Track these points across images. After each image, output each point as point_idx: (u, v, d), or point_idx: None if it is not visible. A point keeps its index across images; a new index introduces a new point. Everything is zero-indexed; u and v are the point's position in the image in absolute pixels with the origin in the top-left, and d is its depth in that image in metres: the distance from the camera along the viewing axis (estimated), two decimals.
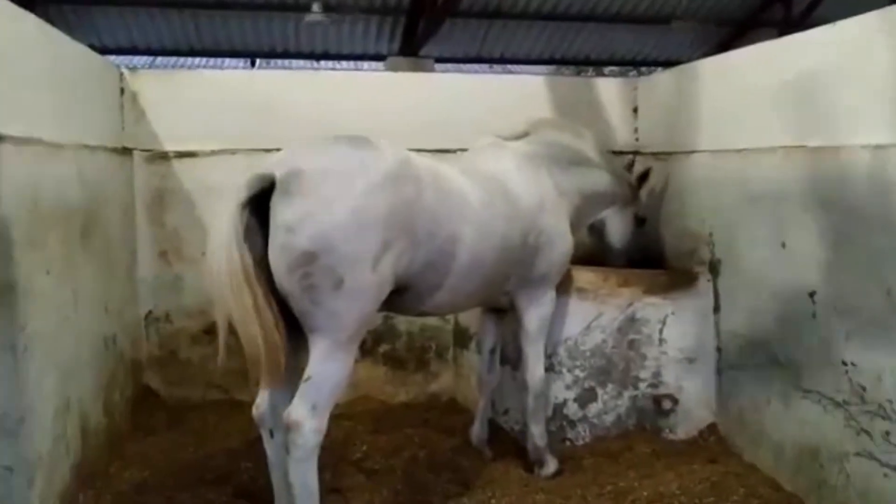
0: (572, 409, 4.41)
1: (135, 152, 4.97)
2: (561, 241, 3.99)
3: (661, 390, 4.49)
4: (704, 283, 4.49)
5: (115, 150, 4.55)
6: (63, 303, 3.46)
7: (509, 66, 9.45)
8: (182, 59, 10.82)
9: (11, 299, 2.85)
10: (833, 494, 3.44)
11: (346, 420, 4.57)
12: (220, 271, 2.81)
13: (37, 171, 3.20)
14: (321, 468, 3.07)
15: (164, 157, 5.04)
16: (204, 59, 10.95)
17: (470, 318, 4.96)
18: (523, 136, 4.17)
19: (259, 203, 2.90)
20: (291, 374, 3.08)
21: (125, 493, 3.72)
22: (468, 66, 8.99)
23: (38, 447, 3.08)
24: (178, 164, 5.06)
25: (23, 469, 2.91)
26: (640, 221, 4.84)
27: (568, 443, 4.40)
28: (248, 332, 2.85)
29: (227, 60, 9.58)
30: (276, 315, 2.90)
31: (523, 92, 5.40)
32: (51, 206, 3.34)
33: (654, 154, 5.24)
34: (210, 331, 5.01)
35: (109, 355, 4.24)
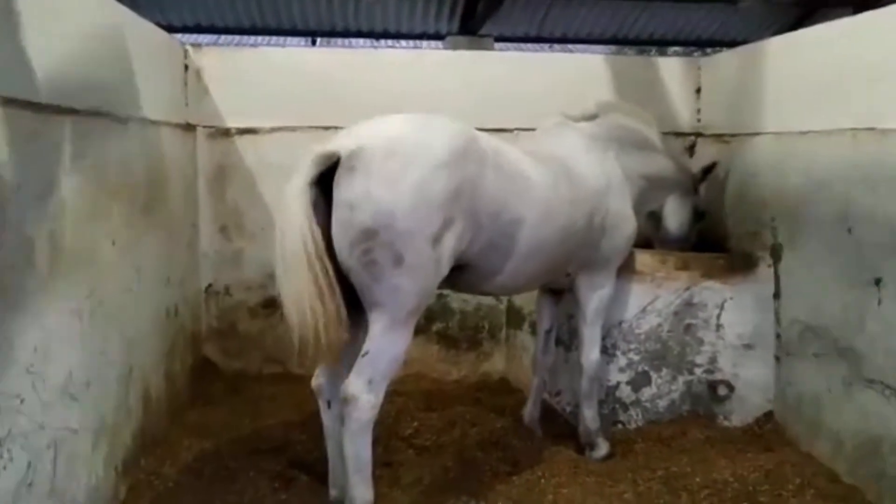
0: (625, 393, 4.38)
1: (198, 128, 5.07)
2: (626, 224, 3.96)
3: (717, 376, 4.42)
4: (765, 268, 4.39)
5: (178, 126, 4.65)
6: (126, 273, 3.56)
7: (570, 46, 9.32)
8: (244, 38, 10.94)
9: (78, 267, 2.94)
10: (894, 487, 3.35)
11: (398, 396, 4.61)
12: (294, 250, 2.85)
13: (103, 145, 3.28)
14: (373, 442, 3.10)
15: (225, 133, 5.13)
16: (266, 38, 11.06)
17: (524, 299, 4.95)
18: (592, 117, 4.13)
19: (324, 180, 2.94)
20: (350, 348, 3.13)
21: (184, 460, 3.82)
22: (528, 45, 8.90)
23: (102, 412, 3.19)
24: (239, 141, 5.14)
25: (88, 432, 3.01)
26: (700, 215, 4.76)
27: (620, 426, 4.37)
28: (315, 310, 2.88)
29: (289, 39, 9.64)
30: (339, 295, 2.93)
31: (584, 71, 5.33)
32: (116, 178, 3.43)
33: (716, 136, 5.13)
34: (268, 304, 5.12)
35: (170, 326, 4.35)
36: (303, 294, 2.87)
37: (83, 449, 2.97)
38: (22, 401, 2.46)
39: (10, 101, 2.43)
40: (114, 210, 3.40)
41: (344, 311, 2.95)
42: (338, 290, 2.93)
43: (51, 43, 2.77)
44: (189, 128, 4.93)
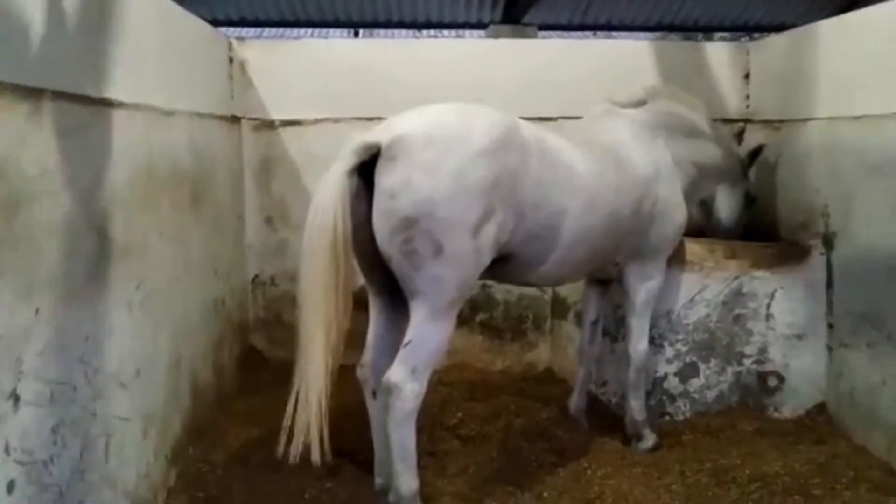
0: (673, 384, 4.32)
1: (243, 120, 5.12)
2: (676, 212, 3.90)
3: (767, 367, 4.33)
4: (817, 257, 4.29)
5: (224, 118, 4.70)
6: (174, 264, 3.61)
7: (614, 34, 9.17)
8: (288, 31, 11.01)
9: (128, 259, 2.99)
10: None
11: (442, 386, 4.61)
12: (322, 233, 2.86)
13: (150, 137, 3.32)
14: (418, 431, 3.12)
15: (270, 125, 5.18)
16: (308, 31, 11.12)
17: (568, 289, 4.91)
18: (640, 104, 4.06)
19: (366, 170, 2.95)
20: (394, 337, 3.14)
21: (232, 448, 3.88)
22: (572, 33, 8.78)
23: (152, 400, 3.24)
24: (283, 133, 5.18)
25: (138, 421, 3.07)
26: (750, 201, 4.67)
27: (667, 417, 4.31)
28: (329, 296, 2.89)
29: (331, 31, 9.67)
30: (349, 292, 2.95)
31: (629, 57, 5.26)
32: (163, 171, 3.47)
33: (766, 122, 5.02)
34: None
35: (218, 316, 4.41)
36: (320, 279, 2.88)
37: (134, 437, 3.02)
38: (75, 389, 2.51)
39: (60, 95, 2.47)
40: (162, 202, 3.45)
41: (350, 304, 2.95)
42: (352, 282, 2.94)
43: (99, 37, 2.82)
44: (234, 120, 4.98)
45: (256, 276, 5.26)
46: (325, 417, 2.99)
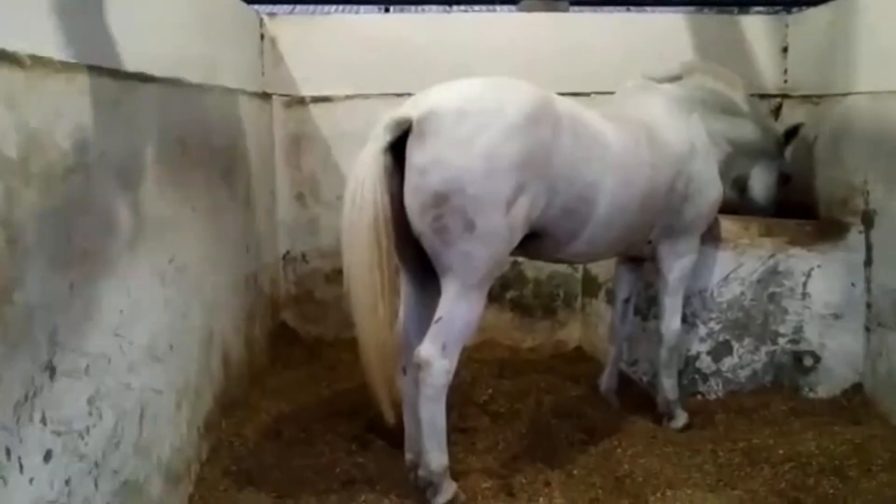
0: (705, 363, 4.27)
1: (274, 97, 5.12)
2: (710, 188, 3.84)
3: (803, 346, 4.27)
4: (856, 235, 4.20)
5: (255, 95, 4.70)
6: (207, 239, 3.63)
7: (647, 8, 9.01)
8: (318, 7, 10.98)
9: (160, 233, 3.00)
10: None
11: (472, 363, 4.61)
12: (364, 216, 2.88)
13: (183, 113, 3.33)
14: (448, 408, 3.13)
15: (301, 101, 5.17)
16: (339, 7, 11.08)
17: (599, 267, 4.87)
18: (676, 78, 3.99)
19: (397, 146, 2.93)
20: (425, 314, 3.15)
21: (264, 422, 3.91)
22: (604, 7, 8.64)
23: (185, 374, 3.27)
24: (314, 109, 5.18)
25: (171, 393, 3.10)
26: (785, 179, 4.58)
27: (699, 397, 4.27)
28: (375, 277, 2.91)
29: (362, 7, 9.63)
30: (393, 268, 2.99)
31: (664, 31, 5.17)
32: (196, 146, 3.48)
33: (804, 97, 4.91)
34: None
35: (249, 292, 4.44)
36: (365, 260, 2.89)
37: (167, 409, 3.06)
38: (109, 361, 2.53)
39: (94, 69, 2.48)
40: (195, 177, 3.46)
41: (396, 282, 2.98)
42: (394, 259, 2.98)
43: (132, 12, 2.82)
44: (265, 96, 4.98)
45: (287, 252, 5.28)
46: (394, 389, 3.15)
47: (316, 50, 5.13)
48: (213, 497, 3.26)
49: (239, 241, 4.24)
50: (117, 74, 2.66)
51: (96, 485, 2.42)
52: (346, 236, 2.97)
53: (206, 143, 3.65)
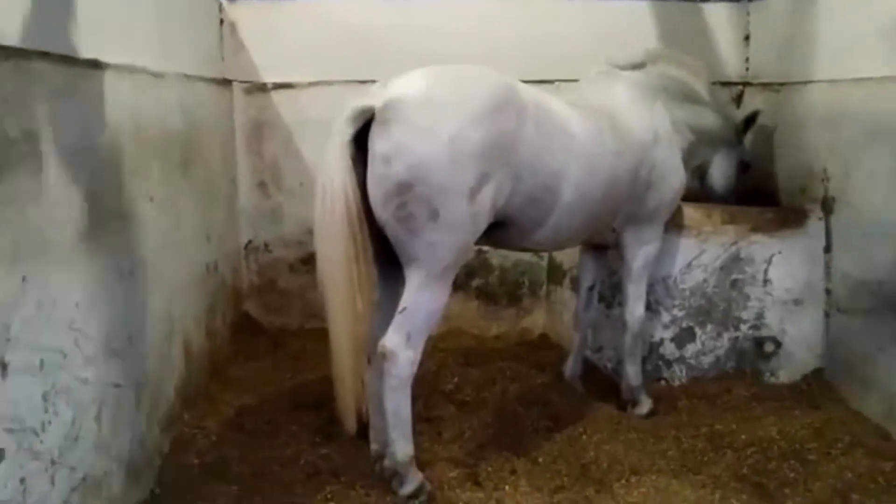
0: (669, 349, 4.30)
1: (234, 83, 5.03)
2: (673, 176, 3.86)
3: (764, 332, 4.32)
4: (815, 222, 4.26)
5: (214, 81, 4.61)
6: (166, 230, 3.56)
7: None
8: None
9: (118, 224, 2.94)
10: None
11: (438, 352, 4.60)
12: (336, 211, 2.85)
13: (139, 100, 3.25)
14: (413, 398, 3.11)
15: (262, 88, 5.10)
16: None
17: (564, 255, 4.88)
18: (639, 66, 4.00)
19: (360, 134, 2.90)
20: (389, 304, 3.12)
21: (227, 414, 3.86)
22: None
23: (145, 367, 3.21)
24: (276, 96, 5.11)
25: (130, 387, 3.03)
26: (745, 167, 4.62)
27: (663, 383, 4.31)
28: (351, 272, 2.89)
29: None
30: (369, 261, 2.98)
31: (628, 18, 5.15)
32: (153, 134, 3.40)
33: (765, 84, 4.95)
34: (307, 261, 5.11)
35: (211, 282, 4.37)
36: (341, 256, 2.87)
37: (127, 404, 3.00)
38: (65, 356, 2.47)
39: (46, 56, 2.40)
40: (152, 166, 3.38)
41: (375, 274, 2.94)
42: (370, 252, 2.96)
43: None
44: (225, 83, 4.89)
45: (250, 241, 5.21)
46: (362, 388, 3.13)
47: (277, 35, 5.05)
48: (175, 491, 3.20)
49: (199, 231, 4.16)
50: (70, 61, 2.59)
51: (53, 482, 2.37)
52: (319, 233, 2.94)
53: (164, 131, 3.57)
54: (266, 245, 5.23)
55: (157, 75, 3.49)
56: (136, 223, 3.14)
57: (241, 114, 5.09)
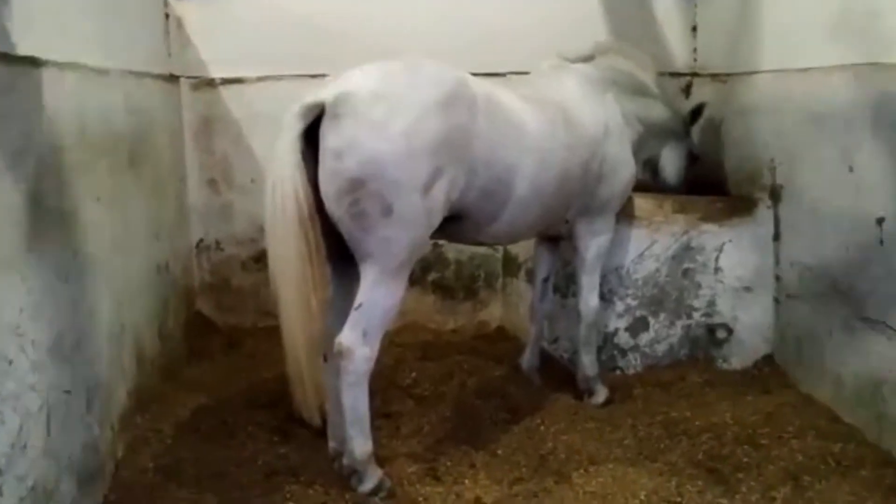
0: (623, 339, 4.35)
1: (181, 79, 4.94)
2: (624, 168, 3.89)
3: (716, 320, 4.39)
4: (764, 210, 4.33)
5: (161, 77, 4.52)
6: (114, 230, 3.48)
7: None
8: None
9: (63, 226, 2.86)
10: (895, 427, 3.34)
11: (395, 347, 4.58)
12: (286, 209, 2.81)
13: (83, 98, 3.17)
14: (371, 393, 3.10)
15: (210, 83, 5.01)
16: None
17: (519, 247, 4.89)
18: (589, 59, 4.02)
19: (310, 129, 2.87)
20: (344, 300, 3.10)
21: (182, 416, 3.80)
22: None
23: (95, 371, 3.13)
24: (224, 91, 5.02)
25: (80, 392, 2.96)
26: (693, 158, 4.68)
27: (618, 372, 4.35)
28: (305, 271, 2.86)
29: None
30: (322, 260, 2.94)
31: (578, 10, 5.17)
32: (98, 133, 3.32)
33: (713, 75, 5.02)
34: (260, 258, 5.05)
35: (162, 282, 4.29)
36: (293, 254, 2.83)
37: (77, 409, 2.92)
38: (10, 363, 2.40)
39: None
40: (98, 165, 3.30)
41: (328, 272, 2.91)
42: (323, 250, 2.92)
43: None
44: (172, 79, 4.80)
45: (201, 239, 5.13)
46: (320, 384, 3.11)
47: (225, 30, 4.96)
48: (131, 496, 3.14)
49: (149, 230, 4.08)
50: (9, 59, 2.50)
51: (1, 493, 2.30)
52: (270, 231, 2.90)
53: (110, 129, 3.49)
54: (218, 243, 5.15)
55: (101, 72, 3.41)
56: (82, 224, 3.06)
57: (189, 110, 5.00)
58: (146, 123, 4.09)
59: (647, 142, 4.28)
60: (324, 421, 3.28)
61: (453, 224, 3.23)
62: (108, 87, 3.51)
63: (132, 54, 3.95)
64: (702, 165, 4.79)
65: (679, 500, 3.08)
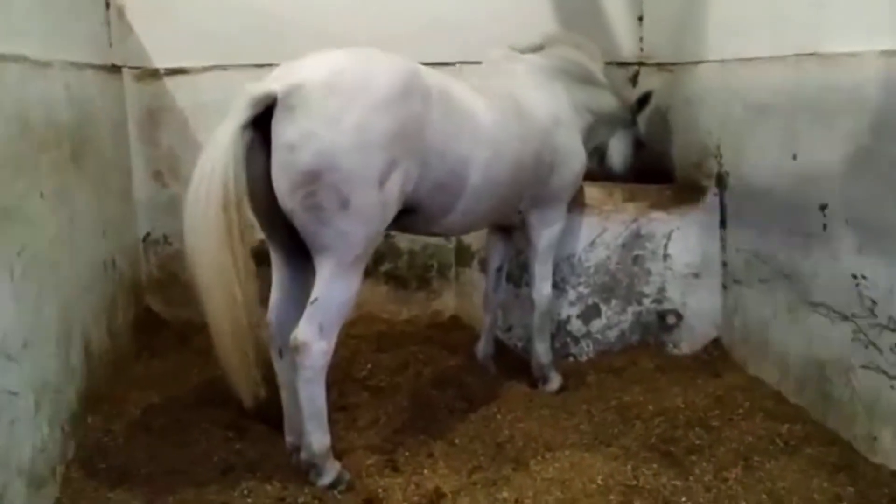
0: (576, 326, 4.40)
1: (124, 70, 4.82)
2: (575, 158, 3.92)
3: (666, 306, 4.47)
4: (711, 197, 4.42)
5: (103, 68, 4.41)
6: (59, 226, 3.39)
7: None
8: None
9: (5, 224, 2.78)
10: (839, 407, 3.45)
11: (350, 339, 4.56)
12: (209, 198, 2.74)
13: (25, 91, 3.07)
14: (327, 386, 3.09)
15: (154, 74, 4.89)
16: None
17: (472, 237, 4.91)
18: (539, 49, 4.04)
19: (261, 122, 2.80)
20: (300, 294, 3.07)
21: (133, 414, 3.73)
22: None
23: (42, 372, 3.06)
24: (169, 82, 4.91)
25: (28, 394, 2.89)
26: (639, 146, 4.75)
27: (572, 359, 4.40)
28: (226, 262, 2.79)
29: None
30: (248, 253, 2.87)
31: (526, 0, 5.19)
32: (39, 126, 3.22)
33: (659, 65, 5.09)
34: None
35: (109, 278, 4.20)
36: (214, 245, 2.77)
37: (25, 411, 2.85)
38: None
39: None
40: (40, 160, 3.21)
41: (252, 265, 2.87)
42: (245, 250, 2.84)
43: None
44: (115, 70, 4.68)
45: (148, 234, 5.02)
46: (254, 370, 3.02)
47: (169, 18, 4.84)
48: (82, 498, 3.08)
49: (94, 226, 3.99)
50: None
51: None
52: (189, 220, 2.80)
53: (52, 122, 3.39)
54: (165, 237, 5.05)
55: (42, 64, 3.30)
56: (25, 221, 2.97)
57: (133, 101, 4.88)
58: (89, 116, 3.98)
59: (595, 131, 4.32)
60: (271, 411, 3.25)
61: (408, 216, 3.22)
62: (49, 79, 3.41)
63: (73, 45, 3.84)
64: (650, 154, 4.86)
65: (635, 483, 3.13)
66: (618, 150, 4.63)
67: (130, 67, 4.84)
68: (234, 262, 2.81)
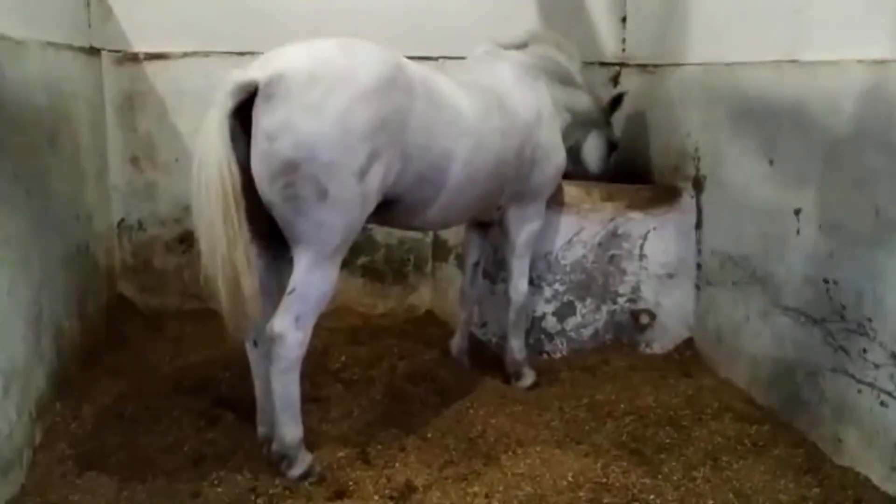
0: (551, 323, 4.42)
1: (103, 53, 4.76)
2: (556, 155, 3.94)
3: (640, 305, 4.50)
4: (688, 199, 4.46)
5: (81, 50, 4.35)
6: (32, 210, 3.35)
7: None
8: None
9: None
10: (806, 409, 3.50)
11: (324, 331, 4.53)
12: (212, 187, 2.72)
13: (0, 71, 3.03)
14: (301, 377, 3.07)
15: (134, 58, 4.83)
16: None
17: (449, 232, 4.91)
18: (522, 46, 4.04)
19: (242, 110, 2.79)
20: (275, 285, 3.06)
21: (103, 402, 3.69)
22: None
23: (11, 356, 3.02)
24: (149, 67, 4.85)
25: None
26: (612, 147, 4.78)
27: (545, 356, 4.42)
28: (230, 254, 2.77)
29: None
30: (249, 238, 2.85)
31: None
32: (15, 107, 3.18)
33: (640, 66, 5.12)
34: (184, 239, 4.94)
35: (82, 264, 4.15)
36: (219, 235, 2.74)
37: None
38: None
39: None
40: (15, 142, 3.16)
41: (253, 255, 2.86)
42: (247, 231, 2.82)
43: None
44: (93, 52, 4.62)
45: (122, 219, 4.97)
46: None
47: (150, 2, 4.79)
48: (49, 484, 3.04)
49: (68, 210, 3.94)
50: None
51: None
52: (197, 214, 2.80)
53: (28, 104, 3.35)
54: (140, 223, 5.00)
55: (18, 43, 3.26)
56: None
57: (111, 85, 4.82)
58: (66, 98, 3.94)
59: (572, 130, 4.35)
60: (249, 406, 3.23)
61: (388, 209, 3.22)
62: (24, 59, 3.36)
63: (51, 25, 3.79)
64: (628, 154, 4.89)
65: (605, 480, 3.15)
66: (592, 150, 4.65)
67: (110, 51, 4.78)
68: (238, 253, 2.78)
